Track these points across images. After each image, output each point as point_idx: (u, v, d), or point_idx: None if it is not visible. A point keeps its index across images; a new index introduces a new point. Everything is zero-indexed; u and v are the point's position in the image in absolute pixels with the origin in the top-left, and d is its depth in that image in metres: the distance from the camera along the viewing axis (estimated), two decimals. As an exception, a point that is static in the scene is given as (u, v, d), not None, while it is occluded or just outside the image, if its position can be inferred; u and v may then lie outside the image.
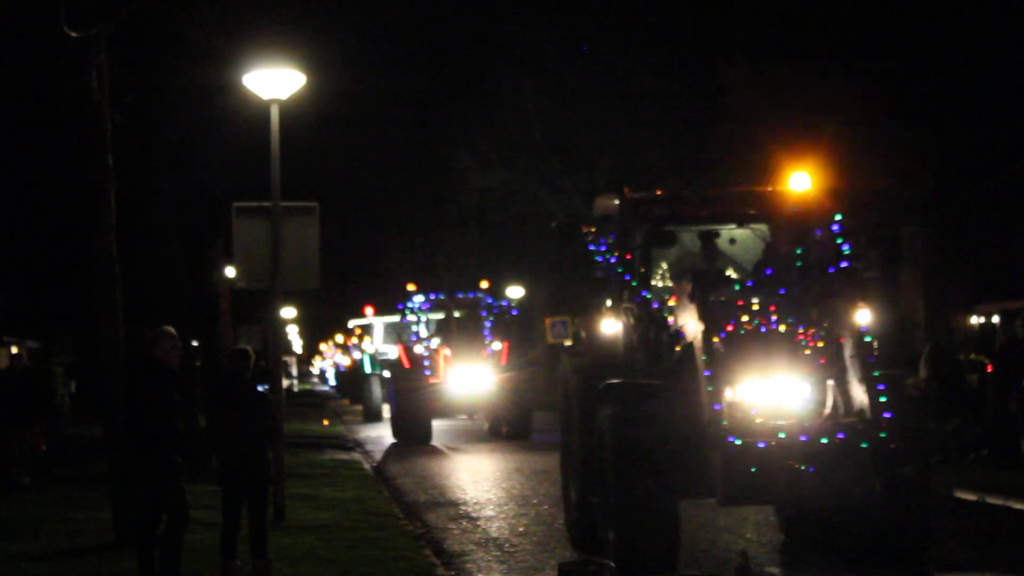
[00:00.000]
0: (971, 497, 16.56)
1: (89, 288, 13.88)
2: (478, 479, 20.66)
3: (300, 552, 12.78)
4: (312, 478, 19.65)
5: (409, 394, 28.58)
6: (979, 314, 38.89)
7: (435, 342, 30.07)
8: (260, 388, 12.70)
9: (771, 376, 11.12)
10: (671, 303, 12.85)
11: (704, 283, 11.91)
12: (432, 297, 32.06)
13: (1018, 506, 15.69)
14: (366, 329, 45.46)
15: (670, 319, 12.54)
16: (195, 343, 26.00)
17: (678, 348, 11.96)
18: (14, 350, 43.10)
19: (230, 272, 25.64)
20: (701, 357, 11.22)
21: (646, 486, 10.88)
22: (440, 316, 31.69)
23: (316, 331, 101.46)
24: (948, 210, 35.90)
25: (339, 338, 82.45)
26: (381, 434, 31.84)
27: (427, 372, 29.01)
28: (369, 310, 43.35)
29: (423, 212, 48.07)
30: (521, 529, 15.04)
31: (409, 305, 31.88)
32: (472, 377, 28.77)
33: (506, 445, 27.28)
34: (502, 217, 45.72)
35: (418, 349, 29.99)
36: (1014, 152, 31.33)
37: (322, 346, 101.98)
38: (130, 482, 12.96)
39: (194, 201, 25.56)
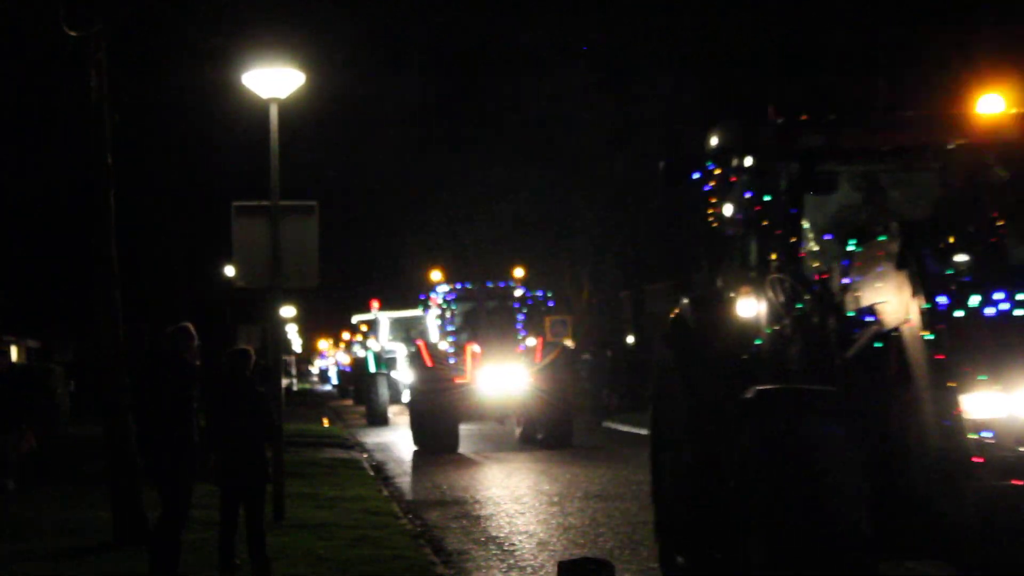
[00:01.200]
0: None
1: (88, 288, 13.88)
2: (478, 478, 20.67)
3: (299, 551, 12.77)
4: (312, 477, 19.65)
5: (432, 396, 25.32)
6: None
7: (462, 337, 27.00)
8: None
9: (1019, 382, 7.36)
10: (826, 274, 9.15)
11: (922, 241, 7.91)
12: (459, 287, 28.32)
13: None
14: (371, 325, 42.63)
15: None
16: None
17: (862, 338, 8.29)
18: (13, 350, 43.15)
19: (229, 271, 25.66)
20: (920, 352, 7.56)
21: (830, 545, 7.35)
22: (468, 308, 28.27)
23: (315, 330, 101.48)
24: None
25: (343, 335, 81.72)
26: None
27: (453, 371, 25.98)
28: (375, 304, 40.95)
29: (446, 199, 46.53)
30: (521, 528, 15.04)
31: (432, 295, 28.26)
32: (504, 377, 25.73)
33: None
34: (504, 213, 45.73)
35: (443, 345, 26.78)
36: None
37: (321, 344, 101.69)
38: (138, 481, 13.06)
39: (193, 200, 25.63)
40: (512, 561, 12.85)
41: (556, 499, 17.54)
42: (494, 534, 14.63)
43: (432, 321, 28.44)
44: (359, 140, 30.27)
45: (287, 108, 15.95)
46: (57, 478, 20.10)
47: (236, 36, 20.10)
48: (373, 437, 31.53)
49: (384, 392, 36.45)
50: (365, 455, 25.67)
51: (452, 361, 26.22)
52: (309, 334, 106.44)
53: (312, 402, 54.48)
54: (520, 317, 27.27)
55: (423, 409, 25.61)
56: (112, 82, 13.92)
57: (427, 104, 40.96)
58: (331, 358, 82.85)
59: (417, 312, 37.71)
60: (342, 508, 16.11)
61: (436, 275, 29.39)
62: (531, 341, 26.52)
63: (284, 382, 30.99)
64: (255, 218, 15.62)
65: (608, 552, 12.82)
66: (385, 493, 18.40)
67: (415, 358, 27.30)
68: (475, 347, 25.95)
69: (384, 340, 39.38)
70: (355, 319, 46.83)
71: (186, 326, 11.15)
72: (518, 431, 27.73)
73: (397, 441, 28.93)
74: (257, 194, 16.37)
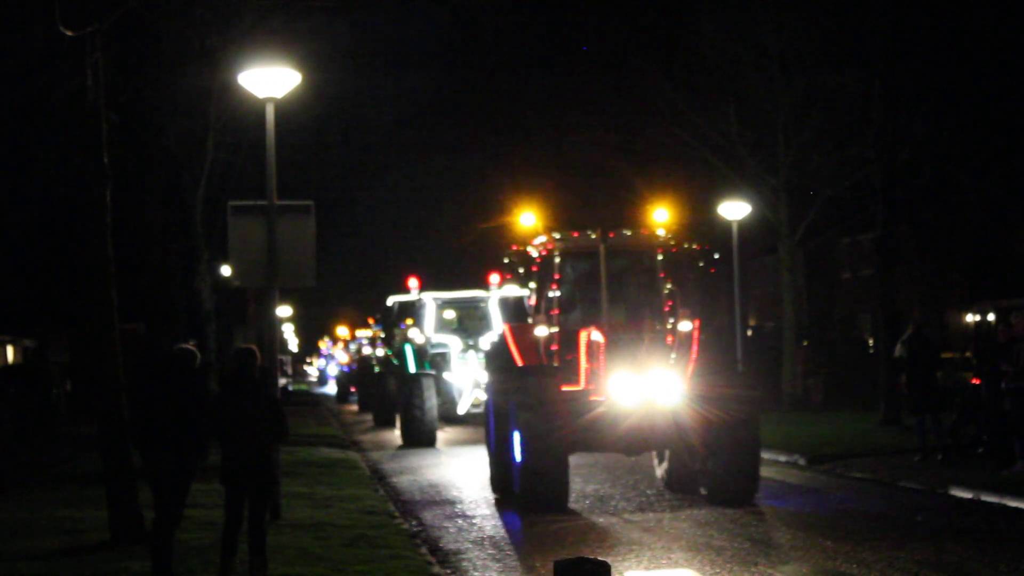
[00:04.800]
0: (967, 495, 16.60)
1: (85, 287, 13.88)
2: (475, 478, 20.61)
3: (295, 550, 12.77)
4: (308, 476, 19.62)
5: (526, 413, 15.79)
6: (974, 312, 38.94)
7: (573, 318, 17.67)
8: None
9: None
10: None
11: None
12: (565, 237, 17.73)
13: (1013, 504, 15.73)
14: (408, 310, 32.31)
15: None
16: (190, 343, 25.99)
17: None
18: (9, 350, 43.18)
19: (226, 271, 25.62)
20: None
21: None
22: (583, 271, 18.05)
23: (313, 329, 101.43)
24: (944, 209, 35.98)
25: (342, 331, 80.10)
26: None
27: (559, 372, 16.75)
28: (414, 283, 30.67)
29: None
30: (517, 527, 15.03)
31: (529, 250, 18.32)
32: (644, 383, 15.90)
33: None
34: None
35: (542, 332, 17.28)
36: (1010, 151, 31.38)
37: (321, 344, 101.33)
38: (134, 480, 13.07)
39: (190, 200, 25.64)
40: (508, 561, 12.84)
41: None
42: (490, 534, 14.62)
43: (498, 305, 22.19)
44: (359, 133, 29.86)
45: (283, 108, 15.97)
46: (54, 477, 20.09)
47: (232, 36, 20.12)
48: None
49: (432, 402, 26.90)
50: (361, 454, 25.51)
51: (557, 356, 17.16)
52: (307, 334, 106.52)
53: (308, 401, 53.92)
54: (666, 287, 17.50)
55: (508, 433, 16.47)
56: (108, 81, 13.92)
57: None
58: (335, 358, 79.40)
59: (476, 293, 30.57)
60: (338, 508, 16.10)
61: (527, 219, 18.66)
62: (684, 325, 16.66)
63: (281, 382, 30.44)
64: (251, 218, 15.64)
65: (605, 553, 12.81)
66: (381, 493, 18.39)
67: (496, 351, 18.48)
68: (596, 334, 16.38)
69: (430, 330, 29.58)
70: (391, 300, 35.24)
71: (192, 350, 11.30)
72: (661, 470, 18.06)
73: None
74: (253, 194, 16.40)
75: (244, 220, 15.71)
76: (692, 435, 16.09)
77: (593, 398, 16.16)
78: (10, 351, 43.68)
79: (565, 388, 16.36)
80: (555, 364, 17.16)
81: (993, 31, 28.58)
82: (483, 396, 23.97)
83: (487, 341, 25.99)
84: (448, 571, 12.34)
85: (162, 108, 21.75)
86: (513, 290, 27.16)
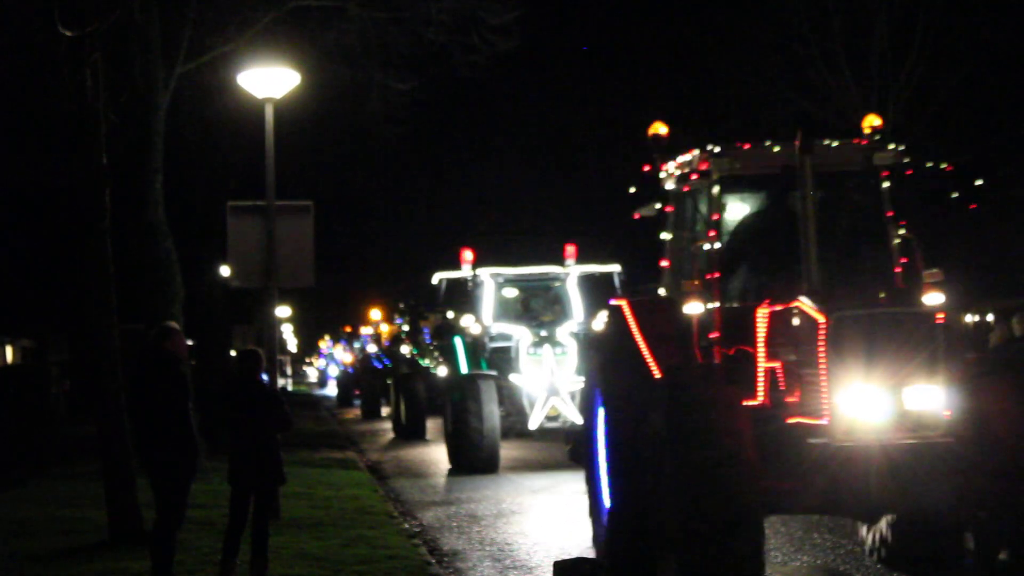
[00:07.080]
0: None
1: (84, 287, 13.88)
2: (474, 478, 20.62)
3: (294, 550, 12.78)
4: (308, 476, 19.64)
5: (698, 450, 9.12)
6: (974, 313, 38.98)
7: (735, 286, 11.16)
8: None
9: None
10: None
11: None
12: (733, 151, 10.84)
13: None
14: (456, 291, 25.27)
15: None
16: (190, 342, 25.97)
17: None
18: (8, 350, 43.19)
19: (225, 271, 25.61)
20: None
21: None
22: (759, 206, 11.51)
23: (314, 328, 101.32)
24: (944, 209, 35.95)
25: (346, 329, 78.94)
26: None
27: (723, 374, 10.27)
28: (468, 256, 23.17)
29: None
30: (516, 528, 15.04)
31: (665, 177, 11.77)
32: (898, 399, 9.63)
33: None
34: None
35: (692, 308, 10.49)
36: (1010, 150, 31.42)
37: (321, 343, 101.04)
38: (133, 480, 13.08)
39: (189, 200, 25.64)
40: (508, 561, 12.84)
41: (552, 499, 17.54)
42: (490, 534, 14.63)
43: (578, 284, 18.61)
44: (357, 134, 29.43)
45: (283, 108, 16.00)
46: (53, 478, 20.09)
47: (232, 36, 20.12)
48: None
49: (493, 413, 20.40)
50: (360, 454, 25.51)
51: (718, 350, 10.71)
52: (308, 332, 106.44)
53: (307, 402, 53.80)
54: (899, 231, 11.78)
55: (642, 477, 10.22)
56: (107, 81, 13.92)
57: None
58: (336, 357, 78.05)
59: (549, 268, 23.37)
60: (338, 508, 16.11)
61: (660, 129, 10.16)
62: (933, 298, 10.27)
63: (279, 382, 30.26)
64: (250, 218, 15.66)
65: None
66: (380, 493, 18.40)
67: (604, 343, 11.57)
68: (805, 313, 10.08)
69: (487, 317, 22.87)
70: (436, 278, 25.73)
71: (174, 326, 11.23)
72: (871, 538, 11.66)
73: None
74: (259, 195, 16.38)
75: (243, 220, 15.74)
76: (981, 484, 9.53)
77: (795, 421, 9.82)
78: (9, 351, 43.71)
79: (748, 402, 9.96)
80: (730, 363, 10.47)
81: (993, 30, 28.62)
82: (564, 406, 20.33)
83: (566, 331, 21.50)
84: (447, 571, 12.35)
85: (161, 108, 21.72)
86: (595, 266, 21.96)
